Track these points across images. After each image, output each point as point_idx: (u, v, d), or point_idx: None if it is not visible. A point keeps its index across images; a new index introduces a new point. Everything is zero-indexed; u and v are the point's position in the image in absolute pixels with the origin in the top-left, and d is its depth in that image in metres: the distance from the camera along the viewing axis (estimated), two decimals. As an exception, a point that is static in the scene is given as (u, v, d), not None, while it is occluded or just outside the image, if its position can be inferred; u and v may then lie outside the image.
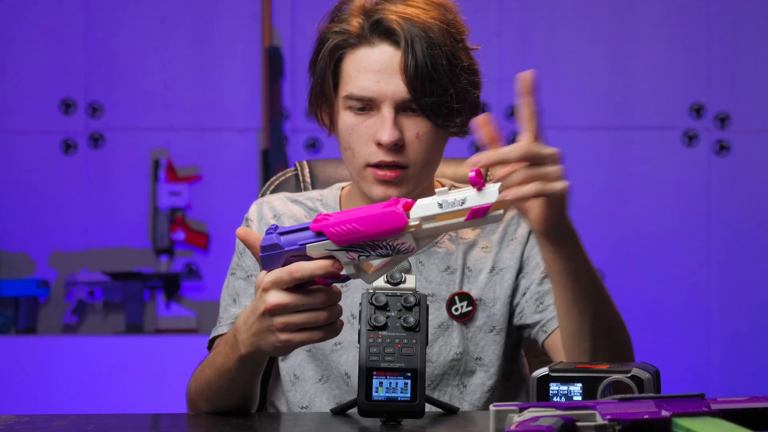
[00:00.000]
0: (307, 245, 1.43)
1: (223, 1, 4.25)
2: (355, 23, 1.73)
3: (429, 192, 1.82)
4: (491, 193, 1.38)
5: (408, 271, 1.60)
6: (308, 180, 2.03)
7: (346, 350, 1.77)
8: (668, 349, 4.14)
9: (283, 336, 1.46)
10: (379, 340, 1.47)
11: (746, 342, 4.19)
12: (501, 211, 1.39)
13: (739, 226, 4.22)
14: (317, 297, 1.45)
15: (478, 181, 1.37)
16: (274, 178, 2.05)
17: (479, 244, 1.82)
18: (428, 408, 1.56)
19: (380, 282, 1.49)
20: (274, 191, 2.01)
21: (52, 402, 3.80)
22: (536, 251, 1.80)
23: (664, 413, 1.25)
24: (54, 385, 3.83)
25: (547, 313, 1.77)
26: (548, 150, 1.47)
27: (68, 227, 4.20)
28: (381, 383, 1.47)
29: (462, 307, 1.79)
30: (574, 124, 4.25)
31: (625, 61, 4.25)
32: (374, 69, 1.71)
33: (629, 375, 1.46)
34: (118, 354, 3.90)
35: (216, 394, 1.63)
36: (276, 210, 1.85)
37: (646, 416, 1.24)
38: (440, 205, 1.39)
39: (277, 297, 1.44)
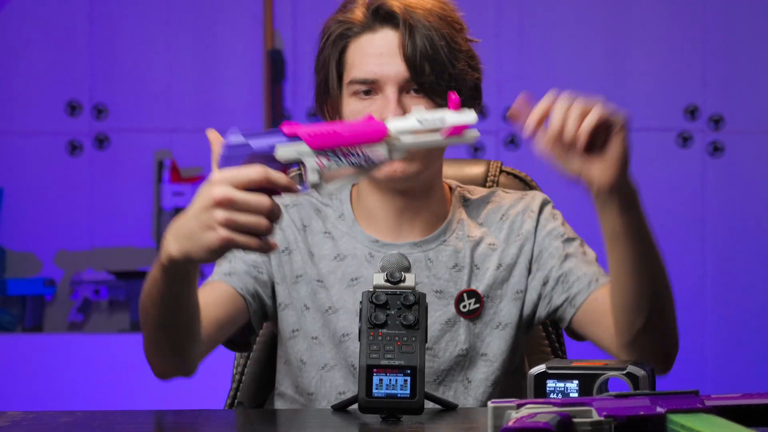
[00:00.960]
0: (278, 145, 1.44)
1: (226, 4, 4.25)
2: (358, 13, 1.76)
3: (439, 188, 1.84)
4: (470, 114, 1.46)
5: (408, 269, 1.60)
6: (310, 180, 2.03)
7: (353, 341, 1.77)
8: (663, 346, 4.14)
9: (224, 232, 1.39)
10: (379, 338, 1.47)
11: (740, 340, 4.20)
12: (477, 133, 1.47)
13: (733, 226, 4.23)
14: (264, 201, 1.40)
15: (458, 103, 1.45)
16: (277, 178, 2.05)
17: (485, 241, 1.82)
18: (427, 404, 1.56)
19: (380, 281, 1.50)
20: (277, 191, 2.01)
21: (57, 399, 3.80)
22: (548, 243, 1.81)
23: (659, 410, 1.25)
24: (60, 382, 3.83)
25: (573, 289, 1.78)
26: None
27: (74, 227, 4.20)
28: (381, 380, 1.47)
29: (470, 304, 1.79)
30: (570, 125, 4.24)
31: (621, 64, 4.25)
32: (376, 53, 1.74)
33: (625, 372, 1.47)
34: (122, 351, 3.90)
35: (146, 305, 1.61)
36: (287, 200, 1.86)
37: (641, 413, 1.25)
38: (420, 122, 1.44)
39: (227, 190, 1.39)
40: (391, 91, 1.72)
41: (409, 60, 1.72)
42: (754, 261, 4.21)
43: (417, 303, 1.49)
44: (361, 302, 1.49)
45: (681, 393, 1.29)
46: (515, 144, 4.23)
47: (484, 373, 1.79)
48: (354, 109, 1.74)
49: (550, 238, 1.82)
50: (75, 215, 4.20)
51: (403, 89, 1.73)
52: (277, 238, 1.82)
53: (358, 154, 1.43)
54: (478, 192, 1.88)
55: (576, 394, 1.48)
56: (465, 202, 1.86)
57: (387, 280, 1.49)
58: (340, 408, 1.60)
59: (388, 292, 1.49)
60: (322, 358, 1.79)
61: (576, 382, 1.48)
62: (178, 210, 4.18)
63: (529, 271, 1.81)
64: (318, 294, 1.79)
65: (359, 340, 1.48)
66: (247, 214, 1.40)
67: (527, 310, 1.82)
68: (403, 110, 1.72)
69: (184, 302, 1.57)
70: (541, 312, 1.82)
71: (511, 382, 1.84)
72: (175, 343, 1.63)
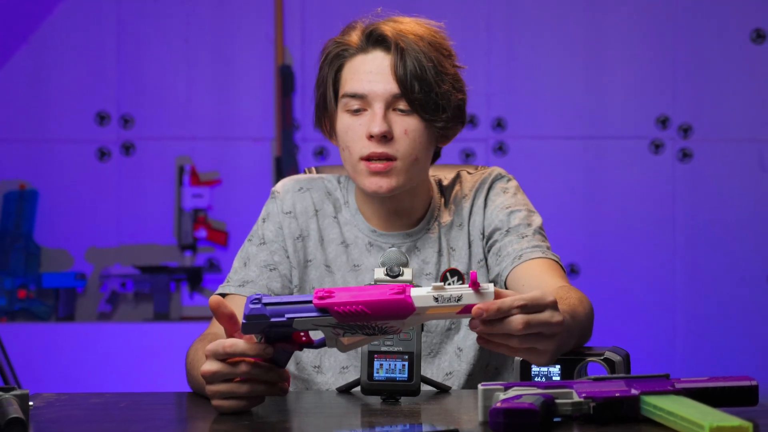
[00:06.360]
0: (295, 320, 1.34)
1: (241, 24, 4.25)
2: (354, 36, 1.76)
3: (424, 191, 1.84)
4: (488, 294, 1.31)
5: (406, 264, 1.59)
6: (316, 184, 2.02)
7: None
8: (637, 334, 4.14)
9: (215, 402, 1.40)
10: (380, 327, 1.47)
11: (707, 328, 4.19)
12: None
13: (700, 225, 4.22)
14: (239, 367, 1.38)
15: (477, 282, 1.31)
16: (286, 182, 2.05)
17: (455, 223, 1.83)
18: (423, 387, 1.56)
19: (381, 275, 1.49)
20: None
21: (88, 381, 3.80)
22: (495, 216, 1.81)
23: (634, 391, 1.25)
24: (90, 367, 3.83)
25: (502, 264, 1.77)
26: (549, 298, 1.34)
27: (103, 226, 4.20)
28: (381, 365, 1.48)
29: (454, 281, 1.79)
30: (552, 133, 4.25)
31: (598, 78, 4.25)
32: (367, 71, 1.74)
33: (602, 358, 1.47)
34: (147, 339, 3.90)
35: (191, 377, 1.63)
36: (302, 183, 1.86)
37: (617, 394, 1.25)
38: (436, 299, 1.31)
39: (208, 365, 1.39)
40: (378, 107, 1.72)
41: (401, 79, 1.71)
42: (719, 257, 4.21)
43: (414, 295, 1.48)
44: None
45: (653, 376, 1.29)
46: (503, 151, 4.23)
47: (473, 340, 1.79)
48: (345, 123, 1.74)
49: (497, 210, 1.81)
50: (104, 215, 4.20)
51: (390, 106, 1.73)
52: (292, 226, 1.82)
53: (373, 327, 1.34)
54: (449, 176, 1.89)
55: (558, 378, 1.48)
56: (440, 189, 1.87)
57: (387, 275, 1.49)
58: (344, 390, 1.60)
59: (387, 286, 1.48)
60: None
61: (558, 366, 1.48)
62: (197, 210, 4.18)
63: (484, 242, 1.82)
64: (325, 279, 1.80)
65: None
66: (227, 383, 1.38)
67: (491, 276, 1.81)
68: (389, 125, 1.72)
69: None
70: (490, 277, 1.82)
71: (496, 354, 1.83)
72: None
